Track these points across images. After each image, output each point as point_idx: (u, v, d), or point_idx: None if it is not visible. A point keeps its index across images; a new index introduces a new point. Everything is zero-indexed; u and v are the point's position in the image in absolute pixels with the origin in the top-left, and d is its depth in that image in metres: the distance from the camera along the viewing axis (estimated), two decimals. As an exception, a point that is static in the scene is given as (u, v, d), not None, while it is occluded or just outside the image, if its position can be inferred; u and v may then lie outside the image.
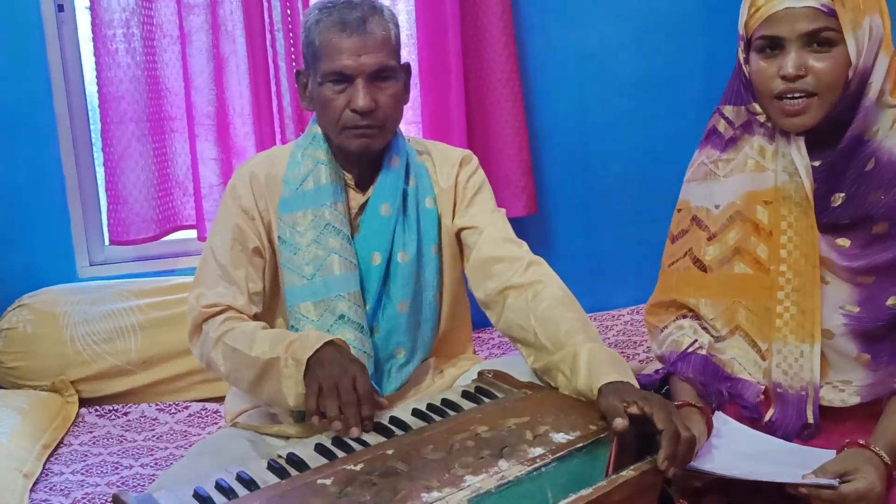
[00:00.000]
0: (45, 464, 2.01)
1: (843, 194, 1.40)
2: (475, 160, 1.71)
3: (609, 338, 2.66)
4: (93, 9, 2.40)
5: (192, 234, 2.65)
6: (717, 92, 1.54)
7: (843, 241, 1.42)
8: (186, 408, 2.31)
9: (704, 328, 1.56)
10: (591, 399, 1.31)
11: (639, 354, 2.51)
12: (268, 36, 2.52)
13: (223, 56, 2.52)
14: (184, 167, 2.60)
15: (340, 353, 1.41)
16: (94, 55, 2.42)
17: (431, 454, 1.20)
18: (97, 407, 2.32)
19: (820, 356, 1.43)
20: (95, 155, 2.58)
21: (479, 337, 2.66)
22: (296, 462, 1.24)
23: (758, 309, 1.49)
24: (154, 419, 2.27)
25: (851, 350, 1.42)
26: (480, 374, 1.51)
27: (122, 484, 1.94)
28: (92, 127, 2.58)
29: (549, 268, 1.58)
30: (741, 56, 1.46)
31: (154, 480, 1.55)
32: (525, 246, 1.62)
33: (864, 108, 1.37)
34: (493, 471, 1.15)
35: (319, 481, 1.15)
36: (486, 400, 1.42)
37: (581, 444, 1.21)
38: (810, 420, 1.43)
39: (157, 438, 2.18)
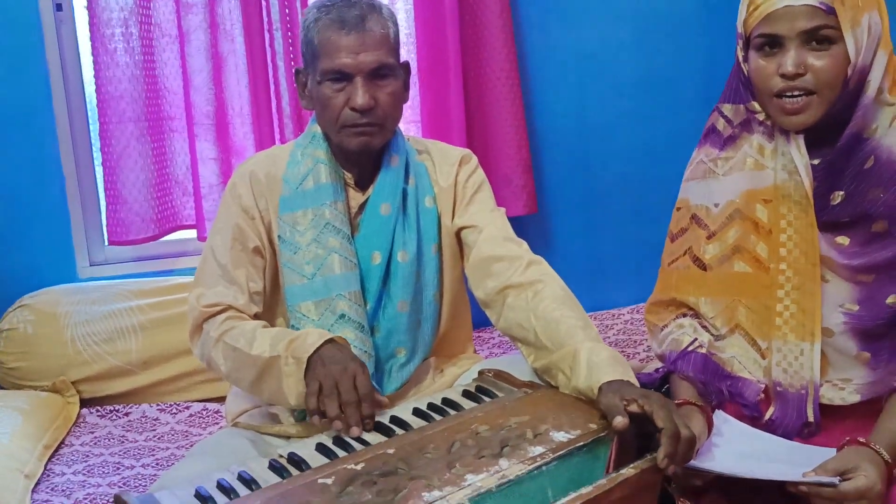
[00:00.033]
0: (46, 464, 2.01)
1: (842, 192, 1.40)
2: (475, 159, 1.71)
3: (609, 337, 2.66)
4: (90, 8, 2.40)
5: (192, 233, 2.65)
6: (716, 91, 1.54)
7: (843, 240, 1.42)
8: (187, 408, 2.31)
9: (704, 327, 1.56)
10: (591, 398, 1.31)
11: (639, 353, 2.51)
12: (266, 35, 2.52)
13: (222, 55, 2.52)
14: (183, 167, 2.60)
15: (341, 351, 1.41)
16: (93, 55, 2.42)
17: (432, 453, 1.20)
18: (98, 407, 2.32)
19: (820, 354, 1.43)
20: (95, 155, 2.58)
21: (479, 336, 2.66)
22: (297, 461, 1.24)
23: (757, 307, 1.49)
24: (155, 419, 2.27)
25: (851, 348, 1.42)
26: (481, 373, 1.52)
27: (124, 484, 1.94)
28: (91, 127, 2.57)
29: (549, 267, 1.58)
30: (740, 54, 1.46)
31: (155, 480, 1.55)
32: (525, 245, 1.62)
33: (862, 106, 1.37)
34: (494, 469, 1.15)
35: (320, 481, 1.15)
36: (486, 399, 1.42)
37: (581, 443, 1.22)
38: (810, 418, 1.43)
39: (159, 439, 2.18)
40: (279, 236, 1.59)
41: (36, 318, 2.36)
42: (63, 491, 1.90)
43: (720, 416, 1.45)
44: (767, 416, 1.47)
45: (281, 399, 1.45)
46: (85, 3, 2.42)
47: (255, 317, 1.58)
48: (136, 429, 2.23)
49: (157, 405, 2.32)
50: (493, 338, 2.70)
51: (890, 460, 1.29)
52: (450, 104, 2.66)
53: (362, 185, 1.62)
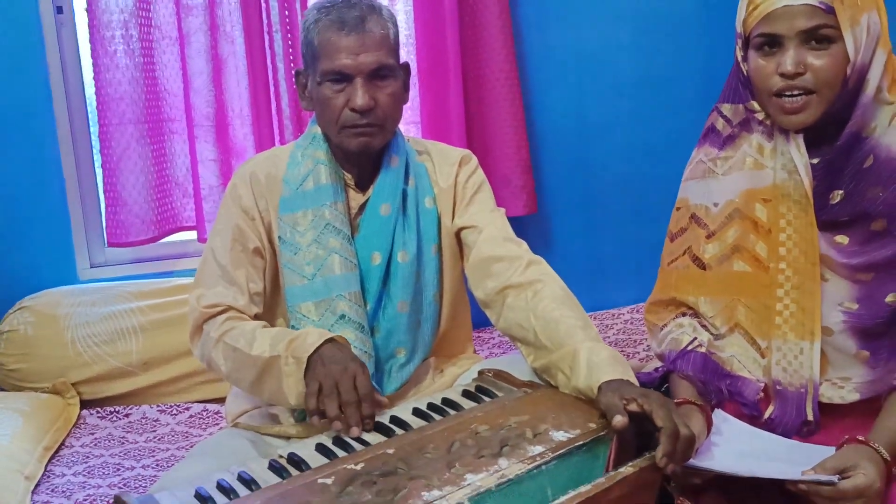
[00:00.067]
0: (46, 465, 2.01)
1: (841, 191, 1.40)
2: (474, 160, 1.71)
3: (609, 337, 2.66)
4: (90, 10, 2.40)
5: (192, 235, 2.66)
6: (716, 91, 1.54)
7: (842, 239, 1.42)
8: (187, 409, 2.31)
9: (704, 326, 1.56)
10: (591, 397, 1.31)
11: (638, 353, 2.51)
12: (266, 37, 2.52)
13: (222, 57, 2.52)
14: (183, 168, 2.60)
15: (341, 351, 1.41)
16: (92, 57, 2.42)
17: (432, 453, 1.21)
18: (98, 408, 2.32)
19: (819, 353, 1.43)
20: (95, 156, 2.58)
21: (479, 336, 2.66)
22: (296, 462, 1.24)
23: (757, 306, 1.49)
24: (155, 420, 2.27)
25: (850, 347, 1.42)
26: (481, 373, 1.52)
27: (124, 485, 1.94)
28: (91, 129, 2.58)
29: (549, 267, 1.58)
30: (739, 54, 1.46)
31: (155, 481, 1.56)
32: (524, 245, 1.62)
33: (861, 105, 1.37)
34: (494, 469, 1.15)
35: (320, 481, 1.15)
36: (486, 399, 1.42)
37: (581, 442, 1.22)
38: (810, 417, 1.44)
39: (159, 439, 2.18)
40: (279, 237, 1.59)
41: (36, 320, 2.36)
42: (63, 492, 1.90)
43: (719, 415, 1.46)
44: (767, 414, 1.47)
45: (281, 399, 1.45)
46: (85, 6, 2.42)
47: (256, 317, 1.58)
48: (137, 430, 2.23)
49: (158, 406, 2.33)
50: (493, 338, 2.70)
51: (889, 459, 1.29)
52: (449, 105, 2.66)
53: (362, 185, 1.62)
